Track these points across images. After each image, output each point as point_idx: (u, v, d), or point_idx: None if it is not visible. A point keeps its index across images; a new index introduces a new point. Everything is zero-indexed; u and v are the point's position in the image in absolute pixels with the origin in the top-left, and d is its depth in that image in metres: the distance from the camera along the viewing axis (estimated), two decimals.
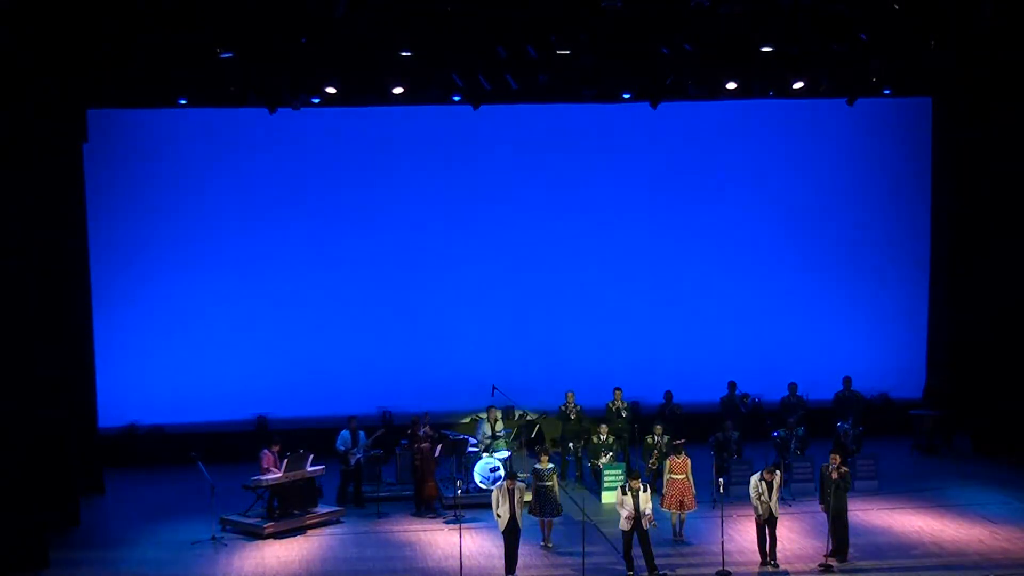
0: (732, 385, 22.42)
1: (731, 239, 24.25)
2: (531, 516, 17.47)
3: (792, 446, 20.57)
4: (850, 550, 16.85)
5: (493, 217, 23.69)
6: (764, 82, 22.01)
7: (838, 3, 19.39)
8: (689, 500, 18.00)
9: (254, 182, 23.06)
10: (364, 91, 21.24)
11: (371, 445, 20.15)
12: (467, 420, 22.18)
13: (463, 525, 17.41)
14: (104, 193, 22.16)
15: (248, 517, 18.71)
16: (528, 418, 22.07)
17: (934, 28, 20.15)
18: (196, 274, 22.90)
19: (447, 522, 18.87)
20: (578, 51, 20.27)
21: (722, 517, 16.93)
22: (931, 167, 24.58)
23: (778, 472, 16.96)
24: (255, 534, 18.33)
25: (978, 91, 22.52)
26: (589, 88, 21.88)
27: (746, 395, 22.33)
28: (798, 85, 21.76)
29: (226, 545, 17.97)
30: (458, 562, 16.39)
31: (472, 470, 20.16)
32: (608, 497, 19.17)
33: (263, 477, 18.70)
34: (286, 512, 18.72)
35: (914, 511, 19.20)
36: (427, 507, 19.49)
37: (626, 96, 22.17)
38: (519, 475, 16.91)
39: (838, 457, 16.85)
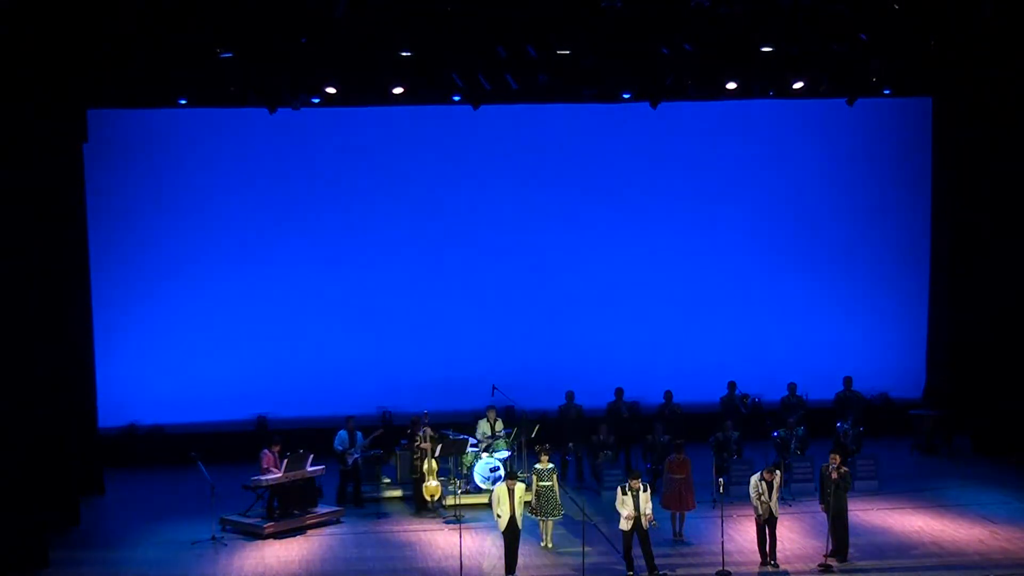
0: (732, 385, 22.42)
1: (731, 239, 24.25)
2: (531, 516, 17.46)
3: (792, 446, 20.57)
4: (850, 550, 16.85)
5: (493, 217, 23.68)
6: (764, 82, 22.01)
7: (838, 3, 19.38)
8: (689, 500, 18.01)
9: (254, 182, 23.06)
10: (364, 91, 21.23)
11: (369, 445, 20.15)
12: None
13: (463, 525, 17.41)
14: (104, 193, 22.15)
15: (248, 517, 18.71)
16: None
17: (934, 28, 20.16)
18: (196, 274, 22.90)
19: (447, 522, 18.87)
20: (578, 51, 20.28)
21: (722, 517, 16.93)
22: (931, 167, 24.58)
23: (778, 472, 16.96)
24: (255, 534, 18.33)
25: (978, 91, 22.52)
26: (589, 88, 21.88)
27: (746, 395, 22.32)
28: (798, 85, 21.76)
29: (226, 545, 17.97)
30: (458, 562, 16.39)
31: (472, 470, 20.16)
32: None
33: (263, 477, 18.69)
34: (286, 512, 18.72)
35: (914, 511, 19.20)
36: (427, 507, 19.48)
37: (626, 96, 22.16)
38: (519, 474, 16.93)
39: (838, 457, 16.85)
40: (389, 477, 20.77)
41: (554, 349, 23.61)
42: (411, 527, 18.91)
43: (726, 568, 16.39)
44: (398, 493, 20.40)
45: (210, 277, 22.97)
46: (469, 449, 20.18)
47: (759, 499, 16.63)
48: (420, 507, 19.57)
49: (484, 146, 23.55)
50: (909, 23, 19.88)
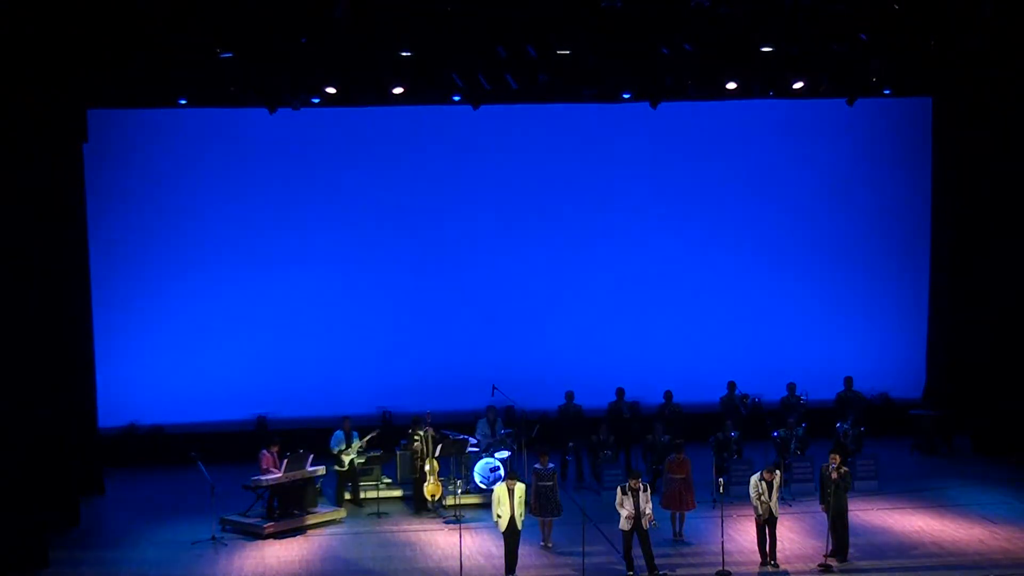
0: (732, 385, 22.41)
1: (731, 239, 24.25)
2: (531, 516, 17.46)
3: (792, 446, 20.57)
4: (850, 550, 16.86)
5: (493, 217, 23.68)
6: (764, 82, 22.00)
7: (838, 3, 19.37)
8: (689, 500, 18.01)
9: (254, 182, 23.06)
10: (364, 91, 21.22)
11: (365, 446, 20.15)
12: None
13: (463, 525, 17.42)
14: (104, 193, 22.16)
15: (248, 517, 18.71)
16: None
17: (934, 28, 20.14)
18: (196, 274, 22.90)
19: (447, 522, 18.87)
20: (578, 51, 20.27)
21: (722, 517, 16.94)
22: (931, 167, 24.58)
23: (778, 472, 16.96)
24: (255, 534, 18.32)
25: (978, 91, 22.52)
26: (589, 88, 21.87)
27: (746, 395, 22.32)
28: (798, 85, 21.75)
29: (226, 545, 17.97)
30: (458, 562, 16.39)
31: (472, 470, 20.16)
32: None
33: (263, 477, 18.69)
34: (286, 512, 18.72)
35: (914, 511, 19.20)
36: (426, 507, 19.49)
37: (626, 96, 22.16)
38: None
39: (838, 457, 16.85)
40: (389, 477, 20.77)
41: (554, 349, 23.61)
42: (411, 527, 18.91)
43: (726, 568, 16.39)
44: (398, 493, 20.40)
45: (210, 277, 22.97)
46: (469, 449, 20.21)
47: (759, 499, 16.63)
48: (420, 507, 19.57)
49: (484, 146, 23.54)
50: (909, 23, 19.86)
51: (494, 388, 20.28)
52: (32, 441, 17.23)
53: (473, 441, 20.46)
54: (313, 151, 23.19)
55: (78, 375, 20.49)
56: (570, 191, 23.83)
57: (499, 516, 16.36)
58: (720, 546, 16.62)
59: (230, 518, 18.71)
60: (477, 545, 17.66)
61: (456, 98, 21.76)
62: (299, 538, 18.36)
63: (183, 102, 21.27)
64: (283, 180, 23.13)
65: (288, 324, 23.16)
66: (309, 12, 18.62)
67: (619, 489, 16.45)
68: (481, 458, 20.24)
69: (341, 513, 19.34)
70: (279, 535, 18.34)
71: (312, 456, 19.26)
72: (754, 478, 16.82)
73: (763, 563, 16.70)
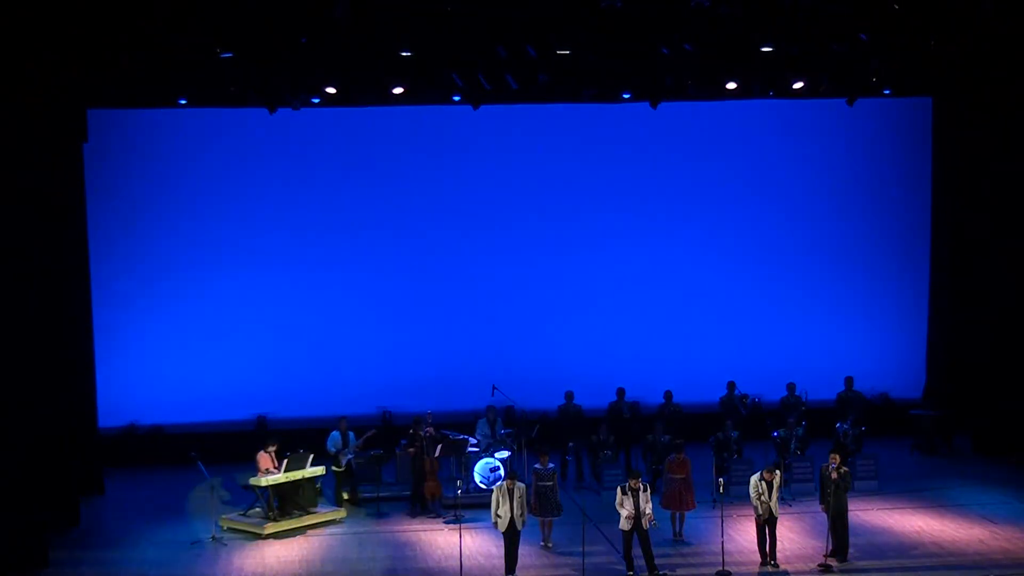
0: (731, 385, 22.42)
1: (731, 239, 24.25)
2: (531, 516, 17.45)
3: (792, 446, 20.57)
4: (850, 550, 16.86)
5: (493, 217, 23.68)
6: (764, 82, 22.00)
7: (838, 3, 19.37)
8: (689, 500, 18.01)
9: (254, 182, 23.05)
10: (364, 91, 21.23)
11: (361, 446, 20.15)
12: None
13: (463, 525, 17.41)
14: (104, 193, 22.15)
15: (248, 517, 18.71)
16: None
17: (934, 28, 20.14)
18: (196, 274, 22.89)
19: (447, 522, 18.86)
20: (578, 51, 20.27)
21: (722, 517, 16.94)
22: (931, 167, 24.58)
23: (778, 472, 16.97)
24: (255, 534, 18.32)
25: (978, 91, 22.51)
26: (589, 88, 21.87)
27: (745, 395, 22.32)
28: (798, 85, 21.76)
29: (226, 545, 17.97)
30: (458, 562, 16.39)
31: (472, 470, 20.16)
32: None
33: (263, 477, 18.68)
34: (286, 512, 18.72)
35: (914, 511, 19.20)
36: (426, 507, 19.49)
37: (626, 96, 22.16)
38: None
39: (838, 457, 16.85)
40: (389, 477, 20.77)
41: (554, 349, 23.61)
42: (411, 527, 18.91)
43: (726, 568, 16.39)
44: (398, 493, 20.38)
45: (210, 277, 22.96)
46: (469, 449, 20.21)
47: (759, 499, 16.63)
48: (420, 506, 19.57)
49: (484, 146, 23.54)
50: (909, 23, 19.85)
51: (494, 388, 20.30)
52: (32, 441, 17.23)
53: (473, 441, 20.46)
54: (313, 151, 23.19)
55: (78, 375, 20.49)
56: (570, 191, 23.83)
57: (499, 516, 16.36)
58: (720, 546, 16.62)
59: (230, 518, 18.72)
60: (477, 545, 17.66)
61: (456, 98, 21.76)
62: (299, 538, 18.36)
63: (183, 102, 21.28)
64: (283, 180, 23.13)
65: (288, 324, 23.16)
66: (309, 12, 18.61)
67: (619, 489, 16.46)
68: (481, 458, 20.24)
69: (341, 513, 19.34)
70: (279, 535, 18.34)
71: (312, 456, 19.26)
72: (754, 478, 16.82)
73: (763, 563, 16.70)
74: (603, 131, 23.75)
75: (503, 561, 16.46)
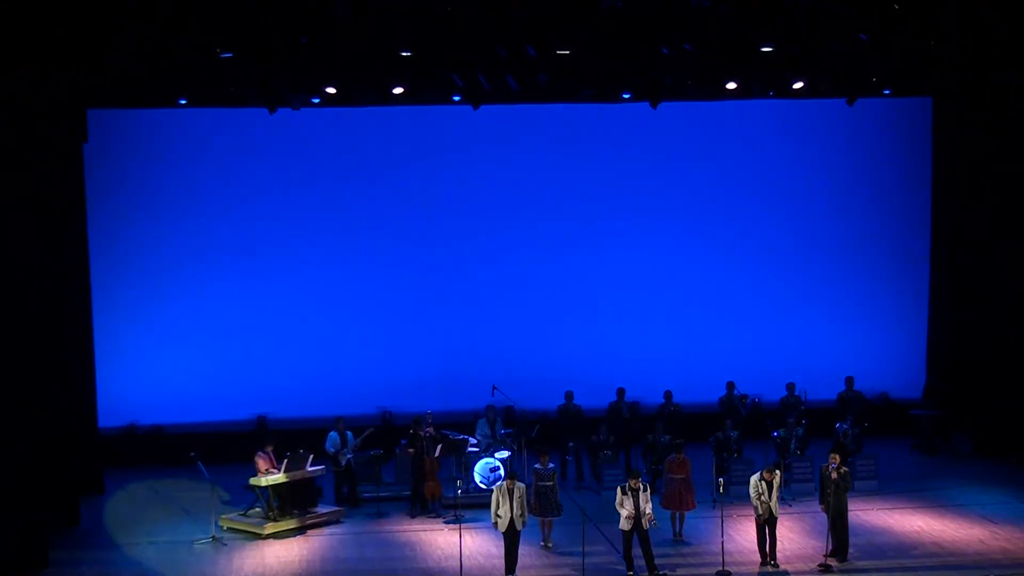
0: (731, 385, 22.42)
1: (731, 239, 24.25)
2: (531, 516, 17.44)
3: (792, 446, 20.57)
4: (850, 550, 16.85)
5: (492, 217, 23.68)
6: (764, 82, 22.01)
7: (838, 3, 19.37)
8: (689, 500, 18.01)
9: (254, 182, 23.06)
10: (364, 91, 21.24)
11: (360, 445, 20.14)
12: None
13: (463, 525, 17.41)
14: (104, 193, 22.15)
15: (248, 517, 18.71)
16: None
17: (934, 28, 20.15)
18: (196, 274, 22.90)
19: (447, 522, 18.87)
20: (578, 51, 20.27)
21: (722, 517, 16.94)
22: (931, 167, 24.58)
23: (778, 472, 16.96)
24: (255, 534, 18.32)
25: (978, 91, 22.51)
26: (589, 88, 21.87)
27: (744, 396, 22.33)
28: (798, 85, 21.76)
29: (226, 545, 17.96)
30: (458, 562, 16.39)
31: (472, 470, 20.16)
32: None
33: (263, 477, 18.68)
34: (286, 512, 18.72)
35: (914, 511, 19.20)
36: (426, 507, 19.49)
37: (626, 96, 22.17)
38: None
39: (838, 457, 16.85)
40: (389, 477, 20.76)
41: (554, 349, 23.61)
42: (411, 527, 18.91)
43: (726, 568, 16.39)
44: (398, 493, 20.37)
45: (210, 277, 22.97)
46: (469, 449, 20.21)
47: (759, 499, 16.63)
48: (420, 506, 19.57)
49: (484, 146, 23.54)
50: (909, 23, 19.86)
51: (494, 388, 20.30)
52: (32, 441, 17.22)
53: (473, 441, 20.46)
54: (313, 151, 23.19)
55: (78, 375, 20.49)
56: (570, 191, 23.83)
57: (499, 517, 16.36)
58: (720, 546, 16.62)
59: (230, 518, 18.71)
60: (477, 545, 17.66)
61: (456, 98, 21.77)
62: (299, 538, 18.36)
63: (183, 102, 21.28)
64: (283, 180, 23.13)
65: (288, 324, 23.16)
66: (309, 12, 18.63)
67: (619, 489, 16.45)
68: (481, 458, 20.24)
69: (341, 513, 19.34)
70: (279, 535, 18.34)
71: (312, 456, 19.26)
72: (754, 478, 16.82)
73: (763, 563, 16.70)
74: (603, 131, 23.75)
75: (503, 561, 16.46)
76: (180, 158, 22.78)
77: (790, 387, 22.27)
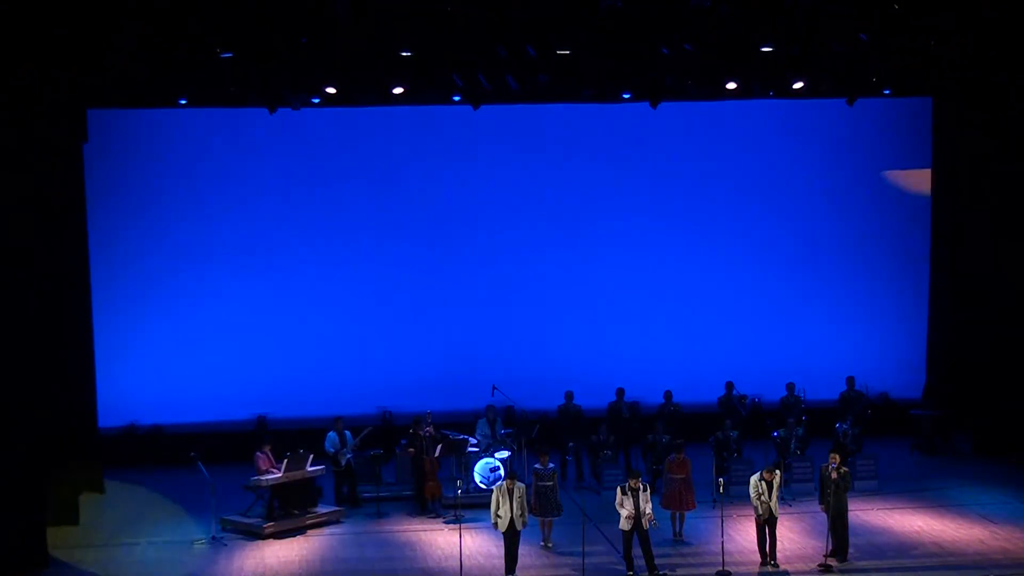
0: (729, 385, 22.42)
1: (731, 239, 24.25)
2: (531, 516, 17.44)
3: (792, 446, 20.57)
4: (850, 550, 16.85)
5: (493, 217, 23.69)
6: (764, 82, 22.01)
7: (838, 3, 19.37)
8: (689, 500, 18.01)
9: (254, 182, 23.06)
10: (364, 91, 21.24)
11: (359, 445, 20.14)
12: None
13: (463, 525, 17.41)
14: (104, 193, 22.16)
15: (248, 517, 18.70)
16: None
17: (934, 28, 20.15)
18: (196, 274, 22.90)
19: (447, 522, 18.86)
20: (578, 51, 20.27)
21: (722, 517, 16.93)
22: (931, 167, 24.58)
23: (778, 472, 16.96)
24: (255, 534, 18.32)
25: (978, 91, 22.51)
26: (589, 88, 21.88)
27: (743, 396, 22.33)
28: (798, 85, 21.77)
29: (226, 545, 17.96)
30: (458, 562, 16.39)
31: (472, 470, 20.16)
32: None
33: (263, 477, 18.69)
34: (286, 512, 18.72)
35: (914, 511, 19.20)
36: (426, 507, 19.49)
37: (626, 96, 22.18)
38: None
39: (838, 457, 16.85)
40: (389, 477, 20.77)
41: (554, 349, 23.62)
42: (411, 527, 18.91)
43: (726, 568, 16.39)
44: (398, 493, 20.38)
45: (210, 277, 22.97)
46: (469, 449, 20.21)
47: (759, 499, 16.63)
48: (420, 507, 19.57)
49: (484, 146, 23.54)
50: (909, 23, 19.86)
51: (494, 388, 20.30)
52: (32, 441, 17.22)
53: (473, 441, 20.45)
54: (313, 151, 23.19)
55: (78, 375, 20.49)
56: (570, 191, 23.83)
57: (499, 517, 16.36)
58: (720, 546, 16.62)
59: (230, 518, 18.71)
60: (477, 545, 17.66)
61: (456, 98, 21.78)
62: (299, 538, 18.36)
63: (183, 102, 21.29)
64: (283, 180, 23.14)
65: (288, 324, 23.16)
66: (309, 12, 18.62)
67: (619, 489, 16.45)
68: (481, 458, 20.24)
69: (341, 513, 19.34)
70: (279, 535, 18.34)
71: (312, 456, 19.26)
72: (754, 478, 16.82)
73: (763, 563, 16.70)
74: (603, 131, 23.75)
75: (503, 561, 16.46)
76: (180, 158, 22.78)
77: (790, 387, 22.27)
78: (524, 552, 16.85)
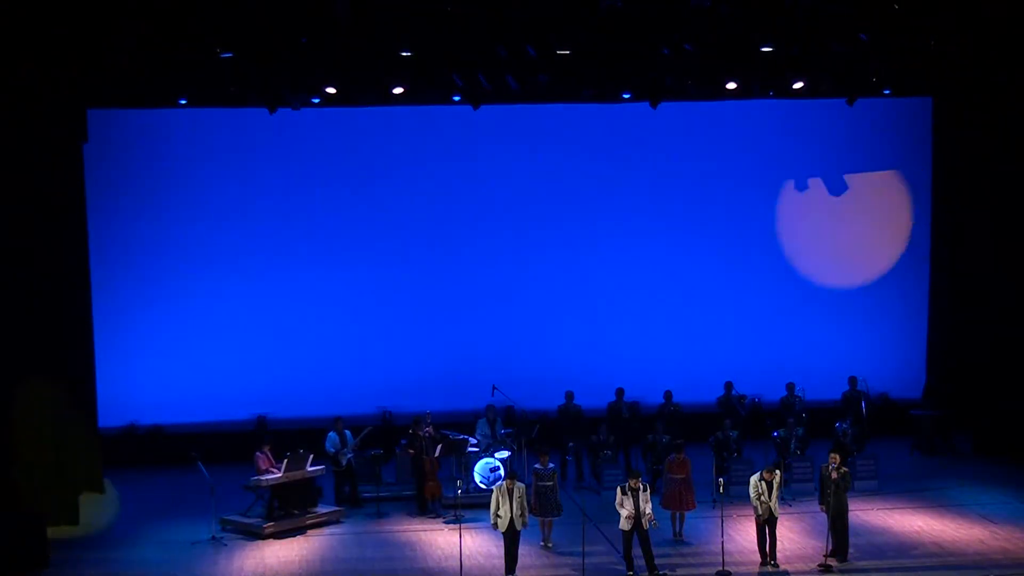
0: (729, 385, 22.43)
1: (731, 239, 24.23)
2: (531, 516, 17.44)
3: (792, 446, 20.57)
4: (850, 550, 16.85)
5: (493, 217, 23.68)
6: (764, 82, 22.01)
7: (838, 3, 19.37)
8: (689, 500, 18.01)
9: (254, 182, 23.06)
10: (364, 91, 21.24)
11: (359, 445, 20.14)
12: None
13: (463, 525, 17.41)
14: (104, 193, 22.15)
15: (248, 517, 18.70)
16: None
17: (934, 28, 20.15)
18: (196, 274, 22.89)
19: (447, 522, 18.87)
20: (578, 51, 20.27)
21: (722, 517, 16.93)
22: (931, 167, 24.58)
23: (778, 472, 16.96)
24: (255, 534, 18.32)
25: (978, 91, 22.51)
26: (589, 88, 21.87)
27: (743, 396, 22.34)
28: (798, 85, 21.76)
29: (226, 545, 17.97)
30: (458, 562, 16.39)
31: (472, 470, 20.16)
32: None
33: (263, 477, 18.69)
34: (286, 512, 18.72)
35: (914, 511, 19.20)
36: (426, 507, 19.49)
37: (626, 96, 22.17)
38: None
39: (838, 457, 16.85)
40: (389, 477, 20.77)
41: (554, 349, 23.61)
42: (411, 527, 18.91)
43: (726, 568, 16.39)
44: (398, 493, 20.37)
45: (210, 277, 22.96)
46: (469, 449, 20.21)
47: (759, 499, 16.63)
48: (420, 507, 19.58)
49: (484, 146, 23.54)
50: (909, 23, 19.86)
51: (494, 388, 20.31)
52: (32, 440, 17.23)
53: (473, 441, 20.45)
54: (313, 151, 23.18)
55: (78, 375, 20.49)
56: (570, 191, 23.82)
57: (499, 517, 16.36)
58: (720, 546, 16.62)
59: (230, 518, 18.71)
60: (477, 545, 17.66)
61: (456, 98, 21.77)
62: (299, 538, 18.36)
63: (183, 102, 21.29)
64: (283, 180, 23.13)
65: (288, 324, 23.16)
66: (309, 12, 18.62)
67: (619, 489, 16.45)
68: (481, 458, 20.25)
69: (341, 513, 19.34)
70: (279, 535, 18.34)
71: (312, 456, 19.26)
72: (754, 478, 16.81)
73: (763, 563, 16.70)
74: (603, 131, 23.75)
75: (503, 561, 16.46)
76: (180, 158, 22.77)
77: (790, 387, 22.27)
78: (524, 552, 16.85)
